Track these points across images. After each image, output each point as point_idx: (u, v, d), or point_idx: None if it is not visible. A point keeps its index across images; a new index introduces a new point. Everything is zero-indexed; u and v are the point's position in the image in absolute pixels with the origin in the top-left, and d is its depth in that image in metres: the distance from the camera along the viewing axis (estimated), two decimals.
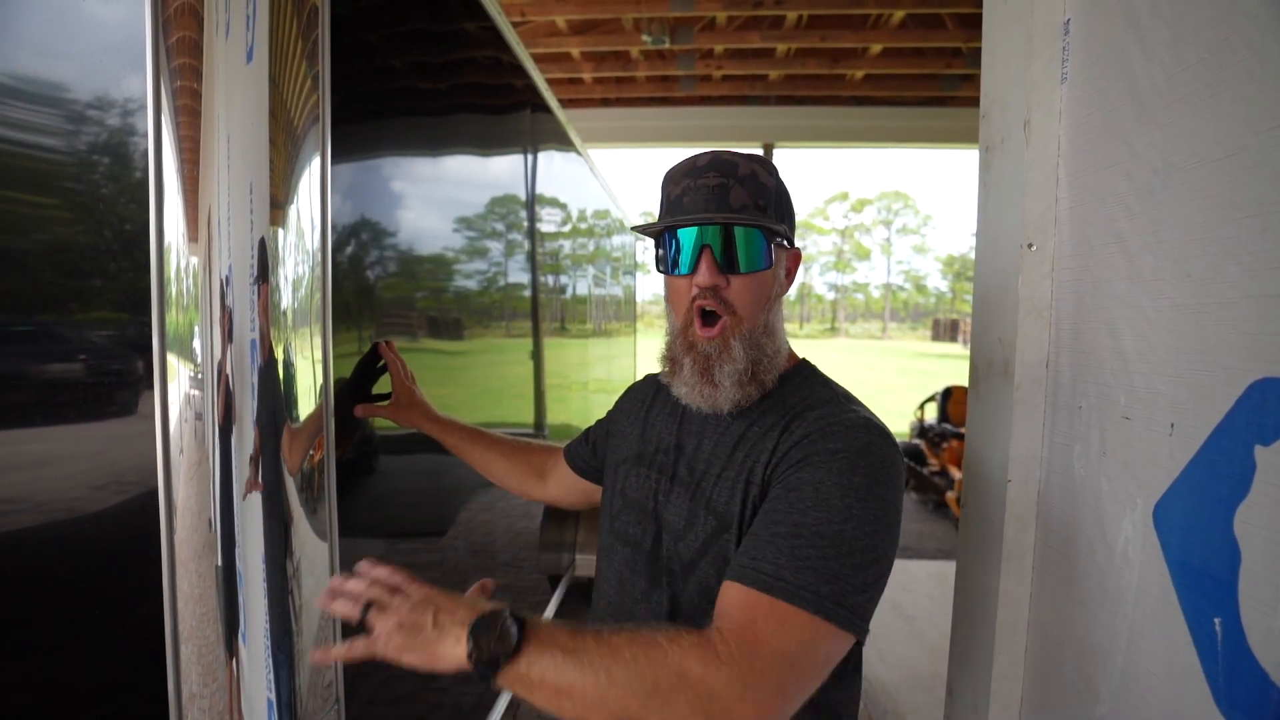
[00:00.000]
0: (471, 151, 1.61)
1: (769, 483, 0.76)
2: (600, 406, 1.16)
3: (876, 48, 5.47)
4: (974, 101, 1.22)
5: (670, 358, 0.86)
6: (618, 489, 0.93)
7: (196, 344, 0.68)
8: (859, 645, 0.73)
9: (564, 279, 2.79)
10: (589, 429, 1.12)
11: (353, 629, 0.66)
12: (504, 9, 1.71)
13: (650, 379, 1.02)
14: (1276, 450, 0.65)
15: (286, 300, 0.75)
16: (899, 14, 4.93)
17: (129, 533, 0.73)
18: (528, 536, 2.19)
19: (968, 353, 1.32)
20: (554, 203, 2.48)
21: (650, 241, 0.87)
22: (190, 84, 0.66)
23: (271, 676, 0.73)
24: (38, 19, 0.70)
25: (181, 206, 0.67)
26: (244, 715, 0.72)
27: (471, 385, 1.65)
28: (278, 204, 0.74)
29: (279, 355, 0.74)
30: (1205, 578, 0.74)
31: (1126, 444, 0.89)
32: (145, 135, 0.66)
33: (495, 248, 1.79)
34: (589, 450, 1.09)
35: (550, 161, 2.39)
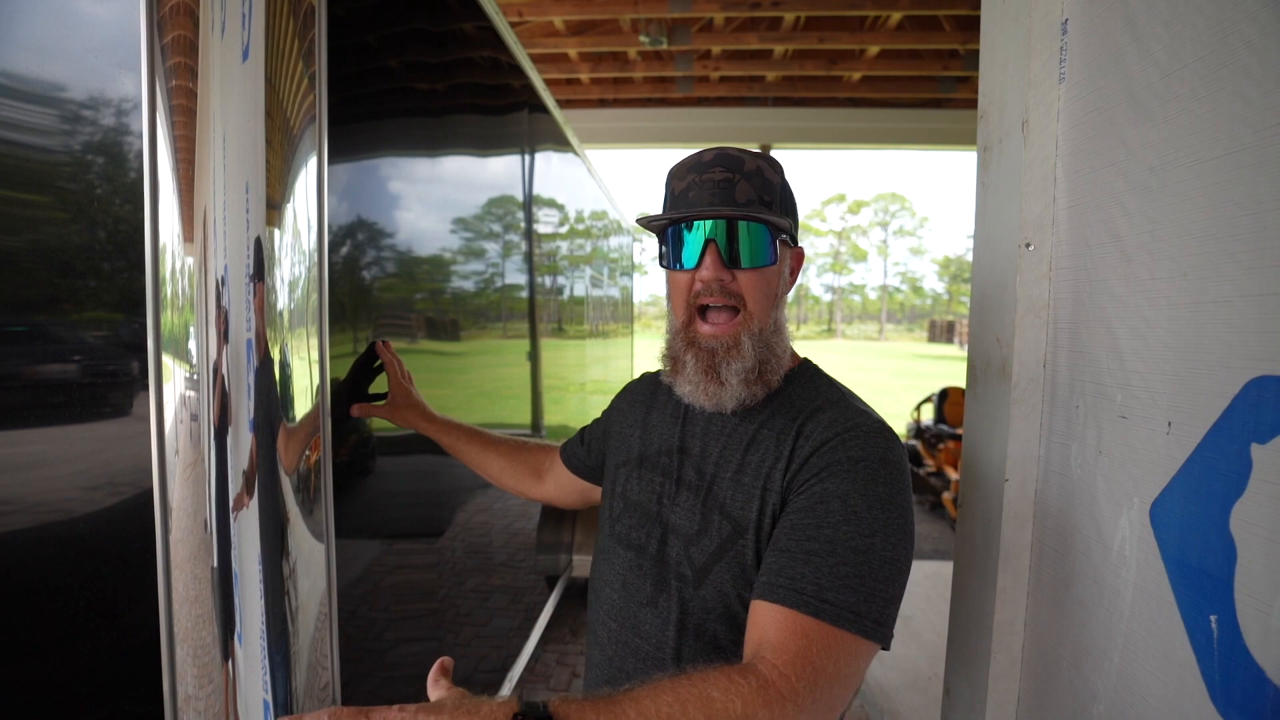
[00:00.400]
0: (469, 152, 1.60)
1: (789, 490, 0.75)
2: (597, 408, 1.16)
3: (874, 49, 5.48)
4: (971, 103, 1.23)
5: (671, 356, 0.85)
6: (618, 492, 0.92)
7: (192, 344, 0.68)
8: None
9: (561, 280, 2.78)
10: (584, 428, 1.11)
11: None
12: (501, 9, 1.71)
13: (647, 378, 1.01)
14: (1273, 448, 0.65)
15: (282, 301, 0.75)
16: (896, 16, 4.93)
17: (124, 534, 0.73)
18: (524, 537, 2.19)
19: (964, 354, 1.32)
20: (551, 203, 2.47)
21: (650, 242, 0.87)
22: (186, 83, 0.66)
23: (268, 678, 0.72)
24: (32, 18, 0.70)
25: (177, 206, 0.66)
26: (240, 717, 0.71)
27: (468, 386, 1.65)
28: (273, 204, 0.73)
29: (275, 356, 0.74)
30: (1202, 576, 0.74)
31: (1123, 443, 0.89)
32: (140, 134, 0.66)
33: (492, 249, 1.79)
34: (585, 450, 1.08)
35: (548, 162, 2.38)
